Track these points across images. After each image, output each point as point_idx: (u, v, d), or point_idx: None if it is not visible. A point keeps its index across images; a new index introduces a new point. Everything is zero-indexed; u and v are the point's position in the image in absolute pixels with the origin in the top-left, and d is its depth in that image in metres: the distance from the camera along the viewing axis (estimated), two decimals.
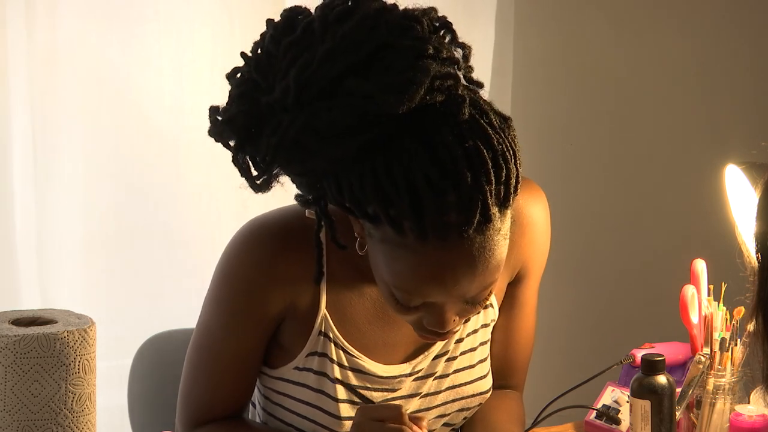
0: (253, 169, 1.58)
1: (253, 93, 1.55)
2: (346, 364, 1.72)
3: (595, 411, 1.91)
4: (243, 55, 1.59)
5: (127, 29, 2.55)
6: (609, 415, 1.89)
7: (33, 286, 2.56)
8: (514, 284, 1.81)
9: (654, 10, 3.11)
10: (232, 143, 1.59)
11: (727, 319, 1.89)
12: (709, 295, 1.92)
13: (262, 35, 1.59)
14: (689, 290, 1.90)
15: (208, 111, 1.60)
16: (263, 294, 1.70)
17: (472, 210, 1.48)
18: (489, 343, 1.82)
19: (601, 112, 3.07)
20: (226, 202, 2.65)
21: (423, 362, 1.77)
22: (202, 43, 2.61)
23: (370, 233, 1.56)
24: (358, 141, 1.49)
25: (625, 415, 1.87)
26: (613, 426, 1.89)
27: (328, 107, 1.49)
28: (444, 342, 1.76)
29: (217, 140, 1.60)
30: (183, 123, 2.61)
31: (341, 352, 1.72)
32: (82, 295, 2.56)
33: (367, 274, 1.67)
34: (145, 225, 2.62)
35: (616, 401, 1.91)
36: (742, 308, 1.84)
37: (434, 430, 1.81)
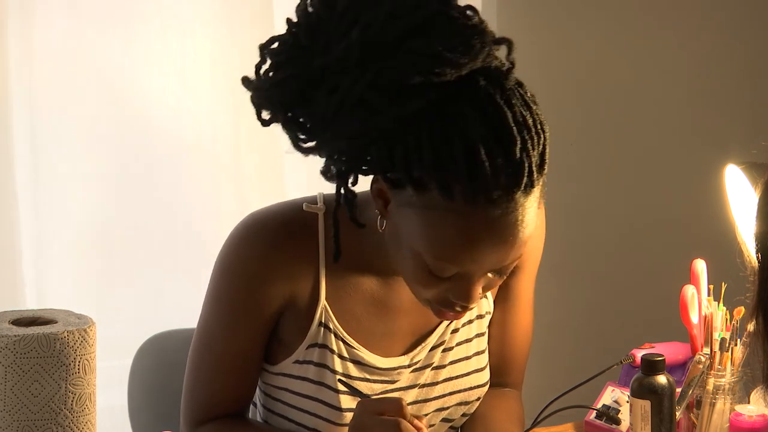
0: (300, 134, 1.59)
1: (302, 57, 1.57)
2: (346, 355, 1.73)
3: (595, 411, 1.91)
4: (289, 21, 1.60)
5: (128, 28, 2.55)
6: (609, 415, 1.89)
7: (33, 286, 2.56)
8: (510, 276, 1.82)
9: (654, 11, 3.11)
10: (266, 116, 1.60)
11: (727, 319, 1.89)
12: (709, 295, 1.92)
13: (302, 1, 1.60)
14: (689, 290, 1.90)
15: (241, 81, 1.61)
16: (263, 287, 1.70)
17: (521, 173, 1.53)
18: (485, 336, 1.83)
19: (602, 112, 3.07)
20: (226, 202, 2.65)
21: (420, 353, 1.78)
22: (204, 42, 2.61)
23: (411, 202, 1.57)
24: (422, 100, 1.52)
25: (625, 415, 1.87)
26: (613, 426, 1.89)
27: (393, 66, 1.52)
28: (440, 332, 1.78)
29: (262, 108, 1.61)
30: (183, 122, 2.62)
31: (341, 343, 1.73)
32: (82, 295, 2.56)
33: (366, 264, 1.71)
34: (145, 225, 2.62)
35: (616, 401, 1.91)
36: (742, 308, 1.84)
37: (434, 425, 1.81)
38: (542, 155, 1.56)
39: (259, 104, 1.61)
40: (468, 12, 1.56)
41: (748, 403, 1.85)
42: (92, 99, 2.55)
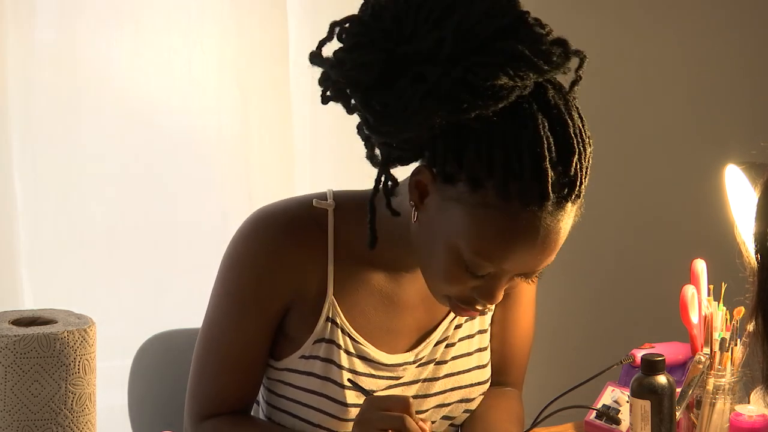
0: (369, 116, 1.60)
1: (385, 41, 1.58)
2: (352, 350, 1.74)
3: (595, 411, 1.91)
4: (372, 2, 1.60)
5: (132, 25, 2.55)
6: (609, 415, 1.89)
7: (33, 286, 2.56)
8: None
9: (654, 10, 3.11)
10: (336, 99, 1.60)
11: (727, 319, 1.89)
12: (709, 295, 1.93)
13: None
14: (689, 290, 1.90)
15: (309, 58, 1.62)
16: (271, 281, 1.71)
17: (575, 183, 1.58)
18: (487, 333, 1.85)
19: (601, 112, 3.07)
20: (229, 202, 2.65)
21: (425, 349, 1.79)
22: (211, 39, 2.60)
23: (460, 198, 1.58)
24: (504, 102, 1.55)
25: (625, 415, 1.87)
26: (613, 426, 1.89)
27: (484, 63, 1.54)
28: (444, 328, 1.80)
29: (335, 85, 1.61)
30: (186, 121, 2.61)
31: (348, 338, 1.74)
32: (82, 295, 2.56)
33: (373, 260, 1.72)
34: (146, 225, 2.62)
35: (616, 401, 1.91)
36: (742, 308, 1.84)
37: (434, 422, 1.82)
38: (588, 168, 1.61)
39: (333, 81, 1.61)
40: (539, 20, 1.60)
41: (748, 403, 1.85)
42: (93, 97, 2.55)
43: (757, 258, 1.36)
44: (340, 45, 1.61)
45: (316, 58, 1.62)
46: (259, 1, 2.61)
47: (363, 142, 1.65)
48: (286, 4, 2.63)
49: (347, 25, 1.61)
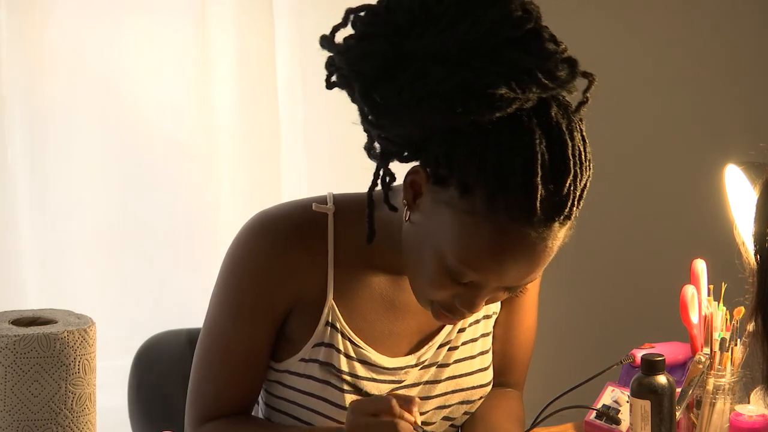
0: (367, 107, 1.60)
1: (393, 35, 1.57)
2: (352, 354, 1.74)
3: (595, 411, 1.91)
4: None
5: (125, 27, 2.55)
6: (609, 415, 1.89)
7: (33, 286, 2.56)
8: None
9: (654, 10, 3.11)
10: (341, 86, 1.60)
11: (727, 319, 1.89)
12: (709, 295, 1.93)
13: None
14: (689, 290, 1.90)
15: (319, 41, 1.61)
16: (271, 286, 1.71)
17: (565, 204, 1.56)
18: (490, 336, 1.84)
19: (602, 112, 3.06)
20: (228, 203, 2.65)
21: (428, 352, 1.79)
22: (203, 42, 2.61)
23: (450, 202, 1.58)
24: (502, 112, 1.54)
25: (625, 415, 1.87)
26: (613, 426, 1.89)
27: (486, 71, 1.53)
28: (447, 331, 1.79)
29: (338, 72, 1.60)
30: (185, 122, 2.61)
31: (348, 342, 1.73)
32: (82, 295, 2.56)
33: (374, 264, 1.72)
34: (145, 225, 2.62)
35: (616, 401, 1.91)
36: (742, 308, 1.84)
37: (434, 423, 1.82)
38: (583, 191, 1.59)
39: (337, 68, 1.61)
40: (555, 37, 1.59)
41: (748, 403, 1.85)
42: (91, 98, 2.54)
43: (756, 258, 1.36)
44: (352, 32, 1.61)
45: (326, 41, 1.61)
46: (250, 5, 2.61)
47: (365, 134, 1.64)
48: (273, 7, 2.63)
49: (362, 13, 1.60)
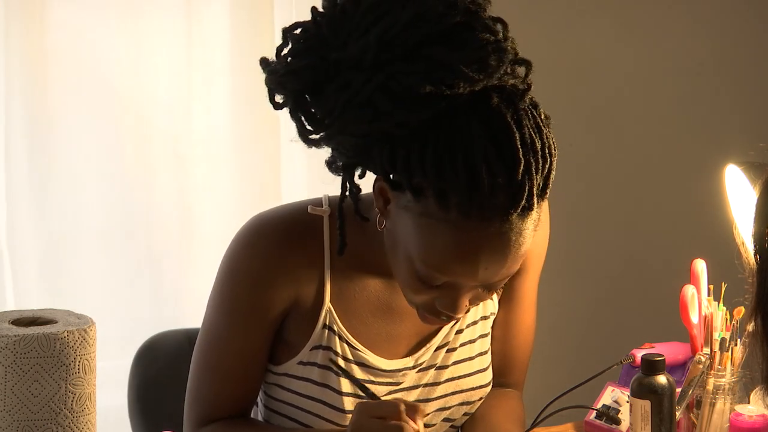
0: (307, 124, 1.60)
1: (320, 48, 1.57)
2: (350, 357, 1.73)
3: (595, 411, 1.91)
4: (314, 9, 1.60)
5: (125, 25, 2.55)
6: (609, 415, 1.89)
7: (33, 286, 2.56)
8: (514, 277, 1.82)
9: (655, 10, 3.11)
10: (279, 99, 1.60)
11: (727, 319, 1.89)
12: (709, 295, 1.92)
13: None
14: (689, 290, 1.90)
15: (259, 62, 1.61)
16: (268, 289, 1.71)
17: (520, 195, 1.53)
18: (489, 337, 1.84)
19: (602, 112, 3.07)
20: (228, 202, 2.65)
21: (425, 354, 1.78)
22: (205, 40, 2.61)
23: (408, 206, 1.57)
24: (430, 110, 1.52)
25: (625, 415, 1.87)
26: (613, 426, 1.89)
27: (407, 71, 1.52)
28: (445, 333, 1.79)
29: (275, 91, 1.60)
30: (185, 122, 2.62)
31: (345, 345, 1.73)
32: (82, 295, 2.56)
33: (370, 266, 1.71)
34: (145, 225, 2.62)
35: (616, 401, 1.91)
36: (742, 308, 1.84)
37: (434, 424, 1.81)
38: (546, 179, 1.56)
39: (272, 88, 1.61)
40: (495, 26, 1.56)
41: (748, 403, 1.85)
42: (91, 98, 2.55)
43: (756, 258, 1.36)
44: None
45: (261, 63, 1.61)
46: (250, 4, 2.61)
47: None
48: (273, 6, 2.64)
49: (296, 31, 1.61)
